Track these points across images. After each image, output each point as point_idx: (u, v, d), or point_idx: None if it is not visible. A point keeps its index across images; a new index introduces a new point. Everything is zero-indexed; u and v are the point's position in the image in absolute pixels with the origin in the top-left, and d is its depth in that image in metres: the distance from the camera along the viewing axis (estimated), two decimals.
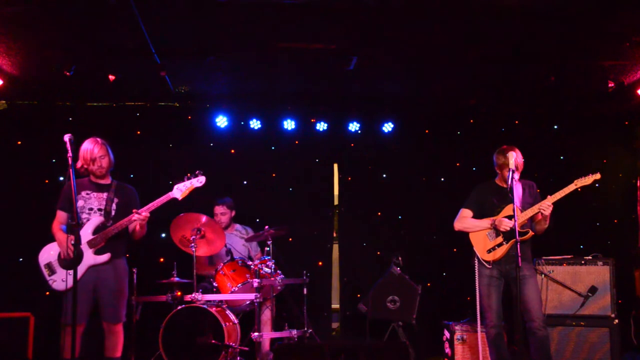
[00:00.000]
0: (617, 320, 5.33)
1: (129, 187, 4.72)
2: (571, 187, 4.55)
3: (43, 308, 5.53)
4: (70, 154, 3.96)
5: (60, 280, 4.42)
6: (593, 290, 5.40)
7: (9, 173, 6.21)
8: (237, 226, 6.11)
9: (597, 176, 4.57)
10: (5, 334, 5.07)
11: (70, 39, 4.97)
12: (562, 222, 6.47)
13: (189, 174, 4.65)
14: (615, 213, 6.69)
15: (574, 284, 5.45)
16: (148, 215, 4.45)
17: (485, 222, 4.72)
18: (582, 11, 4.51)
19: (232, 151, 6.68)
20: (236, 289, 5.22)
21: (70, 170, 3.95)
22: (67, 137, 3.97)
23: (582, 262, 5.48)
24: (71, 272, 4.36)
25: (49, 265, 4.47)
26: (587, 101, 6.58)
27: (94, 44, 5.08)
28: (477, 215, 4.81)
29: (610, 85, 5.72)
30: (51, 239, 4.54)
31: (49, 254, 4.50)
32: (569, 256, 5.56)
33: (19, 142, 6.35)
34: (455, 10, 4.50)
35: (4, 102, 6.27)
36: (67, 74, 5.31)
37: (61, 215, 4.56)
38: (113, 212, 4.53)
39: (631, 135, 6.79)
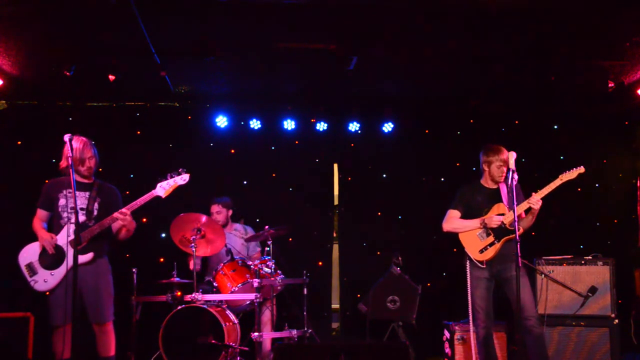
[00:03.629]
0: (617, 320, 5.32)
1: (111, 186, 4.71)
2: (557, 182, 4.57)
3: (43, 308, 5.52)
4: (69, 153, 3.97)
5: (42, 281, 4.39)
6: (593, 290, 5.40)
7: (9, 173, 6.21)
8: (237, 225, 6.11)
9: (581, 170, 4.57)
10: (5, 334, 5.07)
11: (70, 39, 4.97)
12: (562, 222, 6.49)
13: (172, 172, 4.62)
14: (615, 213, 6.69)
15: (574, 284, 5.45)
16: (129, 214, 4.41)
17: (475, 222, 4.73)
18: (582, 11, 4.51)
19: (232, 151, 6.68)
20: (236, 289, 5.22)
21: (70, 170, 3.96)
22: (67, 137, 3.98)
23: (582, 262, 5.48)
24: (53, 272, 4.39)
25: (29, 266, 4.43)
26: (587, 101, 6.58)
27: (94, 44, 5.08)
28: (465, 216, 4.82)
29: (610, 85, 5.71)
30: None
31: (29, 253, 4.46)
32: (569, 256, 5.56)
33: (19, 142, 6.35)
34: (455, 10, 4.50)
35: (4, 102, 6.27)
36: (67, 74, 5.31)
37: (41, 213, 4.55)
38: (95, 212, 4.52)
39: (631, 135, 6.79)
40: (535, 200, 4.52)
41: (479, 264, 4.69)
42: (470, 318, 4.78)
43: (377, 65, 5.66)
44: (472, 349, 5.10)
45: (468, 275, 4.74)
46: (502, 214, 4.63)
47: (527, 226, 4.71)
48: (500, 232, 4.62)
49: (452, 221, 4.84)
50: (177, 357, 4.85)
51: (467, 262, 4.76)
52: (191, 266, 5.26)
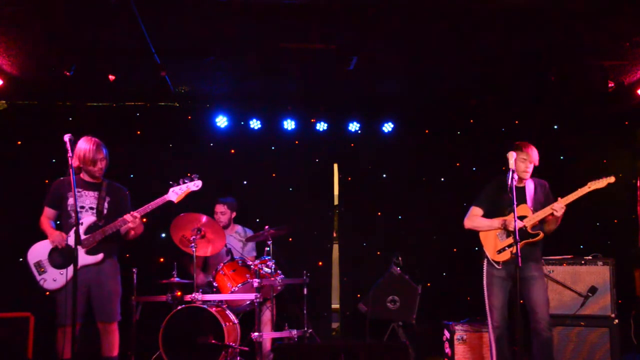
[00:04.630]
0: (617, 320, 5.32)
1: (120, 186, 4.72)
2: (585, 190, 4.50)
3: (43, 308, 5.52)
4: (70, 154, 3.97)
5: (51, 279, 4.40)
6: (593, 290, 5.40)
7: (9, 173, 6.21)
8: (238, 228, 6.11)
9: (612, 179, 4.49)
10: (5, 334, 5.07)
11: (70, 39, 4.97)
12: (562, 222, 6.49)
13: (185, 178, 4.62)
14: (615, 213, 6.69)
15: (574, 284, 5.45)
16: (139, 217, 4.43)
17: (496, 222, 4.65)
18: (582, 11, 4.51)
19: (232, 151, 6.68)
20: (236, 289, 5.22)
21: (70, 170, 3.96)
22: (67, 137, 3.98)
23: (582, 262, 5.48)
24: (62, 271, 4.40)
25: (38, 264, 4.43)
26: (587, 101, 6.58)
27: (94, 44, 5.07)
28: (487, 214, 4.75)
29: (610, 85, 5.71)
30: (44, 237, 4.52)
31: (38, 252, 4.46)
32: (569, 256, 5.56)
33: (19, 142, 6.35)
34: (455, 10, 4.50)
35: (4, 102, 6.27)
36: (67, 74, 5.30)
37: (49, 212, 4.56)
38: (105, 211, 4.53)
39: (631, 135, 6.78)
40: (560, 207, 4.44)
41: (495, 264, 4.63)
42: (489, 317, 4.70)
43: (377, 65, 5.66)
44: (485, 346, 5.03)
45: (484, 274, 4.67)
46: (525, 216, 4.55)
47: (550, 231, 4.64)
48: (520, 234, 4.46)
49: (474, 219, 4.77)
50: (177, 357, 4.85)
51: (485, 261, 4.70)
52: (192, 271, 5.24)
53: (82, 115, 6.41)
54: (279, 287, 5.37)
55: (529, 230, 4.53)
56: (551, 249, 5.78)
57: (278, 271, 5.42)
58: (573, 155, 6.76)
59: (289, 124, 6.61)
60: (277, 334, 5.32)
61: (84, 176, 4.55)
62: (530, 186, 4.68)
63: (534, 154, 4.61)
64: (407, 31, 4.92)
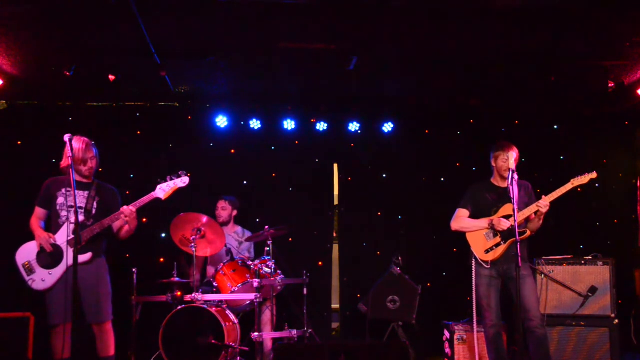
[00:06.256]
0: (617, 320, 5.33)
1: (111, 187, 4.71)
2: (568, 187, 4.58)
3: (43, 308, 5.52)
4: (70, 153, 3.97)
5: (40, 280, 4.39)
6: (593, 290, 5.40)
7: (9, 173, 6.21)
8: (238, 229, 6.11)
9: (594, 175, 4.59)
10: (5, 334, 5.06)
11: (70, 39, 4.97)
12: (562, 222, 6.50)
13: (172, 175, 4.62)
14: (615, 213, 6.69)
15: (574, 284, 5.45)
16: (135, 211, 4.42)
17: (483, 222, 4.71)
18: (582, 11, 4.51)
19: (232, 151, 6.68)
20: (236, 289, 5.22)
21: (70, 170, 3.96)
22: (67, 137, 3.98)
23: (582, 262, 5.48)
24: (51, 271, 4.39)
25: (27, 265, 4.43)
26: (587, 101, 6.58)
27: (94, 44, 5.08)
28: (473, 215, 4.80)
29: (610, 85, 5.71)
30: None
31: (27, 253, 4.45)
32: (569, 256, 5.56)
33: (19, 142, 6.35)
34: (455, 10, 4.50)
35: (4, 102, 6.27)
36: (67, 74, 5.31)
37: (39, 211, 4.56)
38: (94, 211, 4.52)
39: (631, 135, 6.79)
40: (544, 204, 4.50)
41: (484, 264, 4.67)
42: (475, 317, 4.74)
43: (377, 65, 5.66)
44: (475, 348, 5.07)
45: (474, 274, 4.72)
46: (511, 216, 4.58)
47: (535, 229, 4.68)
48: (507, 233, 4.58)
49: (461, 220, 4.82)
50: (177, 357, 4.85)
51: (473, 262, 4.74)
52: (190, 271, 5.24)
53: (82, 115, 6.41)
54: (279, 287, 5.37)
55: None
56: (551, 249, 5.80)
57: (278, 271, 5.42)
58: (573, 155, 6.76)
59: (289, 124, 6.61)
60: (277, 334, 5.32)
61: (75, 176, 4.54)
62: (514, 187, 4.72)
63: (516, 154, 4.66)
64: (407, 31, 4.92)
